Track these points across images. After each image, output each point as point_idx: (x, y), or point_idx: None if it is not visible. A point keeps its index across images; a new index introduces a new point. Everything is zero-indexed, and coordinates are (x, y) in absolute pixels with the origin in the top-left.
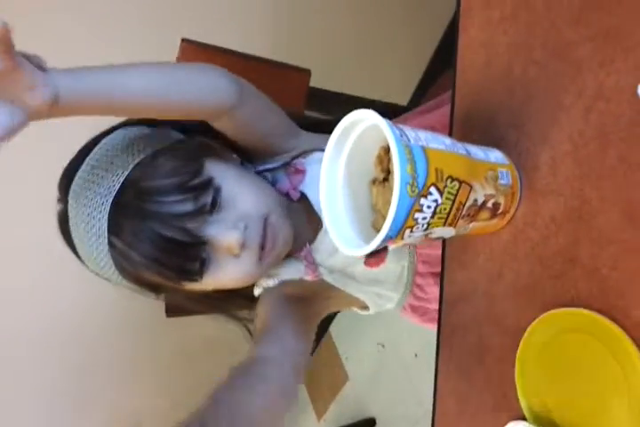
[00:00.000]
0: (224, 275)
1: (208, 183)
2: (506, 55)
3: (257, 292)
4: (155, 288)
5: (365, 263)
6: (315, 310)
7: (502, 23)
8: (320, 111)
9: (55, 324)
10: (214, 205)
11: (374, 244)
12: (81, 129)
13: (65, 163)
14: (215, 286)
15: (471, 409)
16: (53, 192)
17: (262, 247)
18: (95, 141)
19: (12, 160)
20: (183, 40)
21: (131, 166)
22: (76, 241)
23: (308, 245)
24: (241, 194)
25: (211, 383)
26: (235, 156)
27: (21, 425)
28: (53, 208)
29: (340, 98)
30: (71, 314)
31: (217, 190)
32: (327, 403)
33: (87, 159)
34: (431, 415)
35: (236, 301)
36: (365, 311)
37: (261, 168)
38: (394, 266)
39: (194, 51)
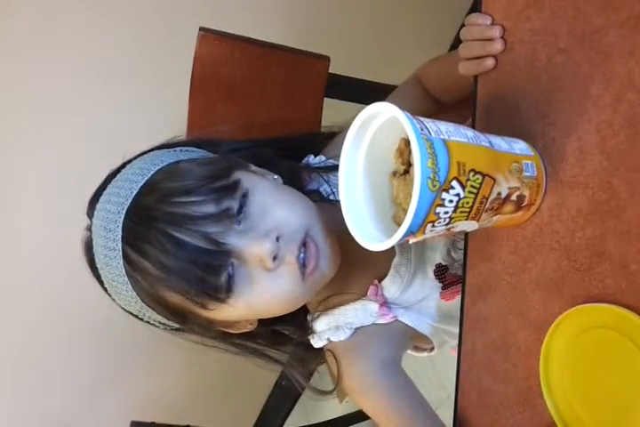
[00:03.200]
0: (258, 293)
1: (234, 186)
2: (530, 42)
3: (319, 344)
4: (180, 316)
5: (441, 296)
6: (400, 361)
7: (526, 9)
8: (340, 98)
9: (77, 305)
10: (241, 211)
11: (395, 239)
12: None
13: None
14: (248, 310)
15: (495, 403)
16: None
17: (304, 264)
18: (124, 164)
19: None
20: (201, 29)
21: (152, 173)
22: (98, 266)
23: (377, 282)
24: (275, 204)
25: (231, 369)
26: (275, 177)
27: (39, 405)
28: None
29: (360, 84)
30: (94, 296)
31: (245, 196)
32: None
33: (113, 181)
34: (453, 403)
35: (279, 343)
36: (423, 353)
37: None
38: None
39: (212, 39)
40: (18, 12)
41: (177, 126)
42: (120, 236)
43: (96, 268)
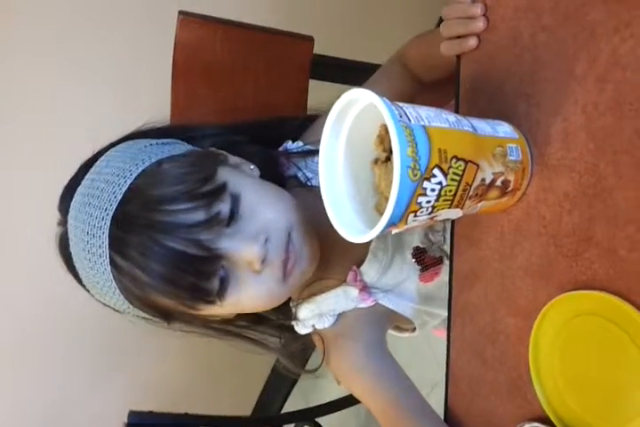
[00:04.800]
0: (245, 295)
1: (221, 190)
2: (513, 20)
3: (304, 331)
4: (167, 315)
5: (420, 278)
6: (385, 342)
7: None
8: (326, 79)
9: (74, 293)
10: (233, 215)
11: (375, 231)
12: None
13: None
14: (234, 309)
15: (484, 390)
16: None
17: (285, 264)
18: (97, 155)
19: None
20: (180, 13)
21: (134, 175)
22: (77, 266)
23: (356, 268)
24: (261, 203)
25: (228, 355)
26: (252, 167)
27: (37, 393)
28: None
29: (345, 64)
30: None
31: (235, 198)
32: None
33: (88, 174)
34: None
35: (261, 328)
36: (405, 333)
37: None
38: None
39: (192, 23)
40: None
41: (160, 112)
42: (107, 243)
43: (73, 265)
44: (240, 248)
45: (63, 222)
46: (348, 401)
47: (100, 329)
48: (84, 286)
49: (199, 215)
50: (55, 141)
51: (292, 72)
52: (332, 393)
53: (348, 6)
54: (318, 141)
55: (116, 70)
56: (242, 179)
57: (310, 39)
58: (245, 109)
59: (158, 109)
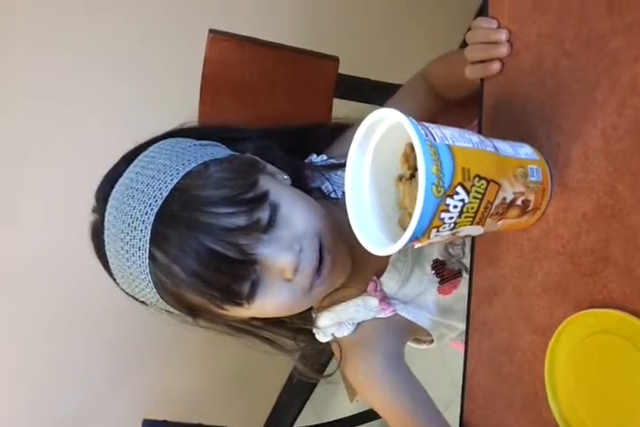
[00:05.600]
0: (272, 300)
1: (263, 198)
2: (536, 46)
3: (324, 339)
4: (193, 311)
5: (439, 291)
6: (402, 354)
7: (532, 13)
8: (350, 98)
9: (91, 303)
10: (271, 223)
11: (399, 244)
12: (118, 137)
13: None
14: (259, 312)
15: (500, 406)
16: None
17: (316, 272)
18: (140, 148)
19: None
20: (211, 31)
21: (181, 174)
22: (109, 254)
23: (376, 278)
24: (297, 214)
25: (243, 367)
26: (285, 177)
27: (51, 402)
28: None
29: (369, 84)
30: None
31: (274, 206)
32: None
33: (131, 166)
34: (459, 410)
35: (278, 330)
36: (422, 345)
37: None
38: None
39: (221, 41)
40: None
41: (189, 116)
42: (149, 237)
43: (104, 253)
44: (276, 256)
45: (99, 210)
46: (362, 418)
47: (116, 340)
48: (111, 274)
49: (240, 220)
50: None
51: (317, 91)
52: (345, 411)
53: (373, 28)
54: (342, 156)
55: (144, 84)
56: (281, 188)
57: (335, 59)
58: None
59: (185, 110)
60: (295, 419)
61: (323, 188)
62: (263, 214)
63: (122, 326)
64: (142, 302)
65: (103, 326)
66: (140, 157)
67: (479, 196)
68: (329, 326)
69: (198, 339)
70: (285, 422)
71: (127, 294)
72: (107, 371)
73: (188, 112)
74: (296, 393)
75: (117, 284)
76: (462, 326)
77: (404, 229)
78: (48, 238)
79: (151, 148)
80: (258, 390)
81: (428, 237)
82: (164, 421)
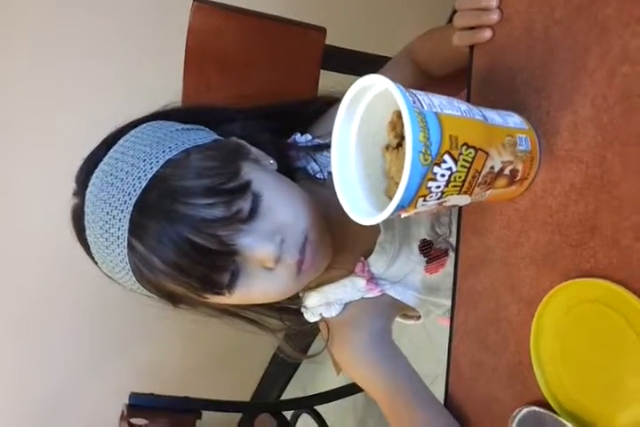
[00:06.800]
0: (255, 289)
1: (245, 187)
2: (526, 13)
3: (312, 319)
4: (174, 299)
5: (426, 270)
6: (389, 331)
7: None
8: (336, 70)
9: (76, 279)
10: (252, 213)
11: (386, 213)
12: (102, 118)
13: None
14: (243, 300)
15: (485, 376)
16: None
17: (300, 264)
18: (121, 132)
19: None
20: (195, 0)
21: (161, 163)
22: (90, 239)
23: (363, 259)
24: (280, 204)
25: (230, 341)
26: (272, 161)
27: (39, 378)
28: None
29: (357, 56)
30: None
31: (256, 196)
32: None
33: (111, 151)
34: (444, 379)
35: (263, 310)
36: (410, 321)
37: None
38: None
39: (206, 11)
40: None
41: (172, 99)
42: (127, 227)
43: (84, 238)
44: (255, 247)
45: (80, 194)
46: (347, 391)
47: (102, 313)
48: (92, 258)
49: (220, 211)
50: (64, 129)
51: (304, 62)
52: (331, 384)
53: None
54: (327, 135)
55: (127, 58)
56: (264, 176)
57: (322, 30)
58: (255, 98)
59: (169, 96)
60: (282, 392)
61: (308, 168)
62: (244, 205)
63: (108, 301)
64: (121, 284)
65: (89, 301)
66: (121, 141)
67: (467, 164)
68: (317, 306)
69: (185, 314)
70: (272, 395)
71: (107, 276)
72: (94, 346)
73: (172, 82)
74: (282, 366)
75: (99, 268)
76: (449, 303)
77: (391, 198)
78: (32, 218)
79: (132, 132)
80: (245, 364)
81: (415, 207)
82: (151, 394)
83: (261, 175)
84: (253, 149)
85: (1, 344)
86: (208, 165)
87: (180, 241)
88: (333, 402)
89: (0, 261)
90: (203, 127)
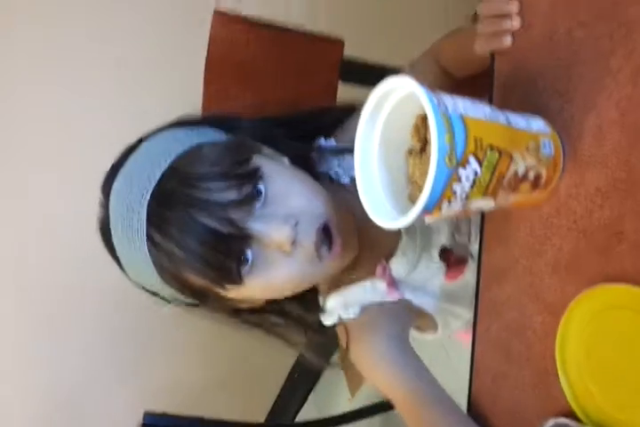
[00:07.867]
0: (275, 274)
1: (253, 173)
2: (549, 16)
3: (329, 321)
4: (198, 295)
5: (445, 276)
6: (407, 337)
7: None
8: (355, 82)
9: (96, 295)
10: (263, 197)
11: (411, 216)
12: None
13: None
14: (263, 291)
15: (509, 386)
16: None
17: (317, 246)
18: (140, 141)
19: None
20: (216, 12)
21: (174, 155)
22: (115, 241)
23: (384, 261)
24: (292, 190)
25: (245, 361)
26: (285, 159)
27: (54, 393)
28: None
29: (375, 67)
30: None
31: (266, 181)
32: (362, 378)
33: (130, 157)
34: (467, 391)
35: (286, 320)
36: (427, 334)
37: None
38: (472, 279)
39: (226, 23)
40: None
41: (191, 109)
42: (145, 217)
43: (113, 247)
44: (270, 230)
45: (105, 204)
46: (363, 413)
47: (118, 331)
48: (120, 265)
49: (231, 195)
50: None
51: (322, 74)
52: (345, 407)
53: (378, 10)
54: (351, 140)
55: (149, 68)
56: (276, 166)
57: (340, 41)
58: (275, 107)
59: (189, 107)
60: (297, 413)
61: (331, 173)
62: (254, 189)
63: (125, 318)
64: (151, 292)
65: (107, 318)
66: (139, 148)
67: (491, 167)
68: (335, 308)
69: (201, 332)
70: (287, 417)
71: (134, 282)
72: (109, 364)
73: (192, 94)
74: (298, 387)
75: (126, 275)
76: (468, 315)
77: (414, 203)
78: (58, 224)
79: (149, 138)
80: (260, 384)
81: (440, 210)
82: (165, 413)
83: (273, 165)
84: (266, 148)
85: (15, 358)
86: (220, 154)
87: (195, 226)
88: (349, 424)
89: (18, 278)
90: (219, 131)
